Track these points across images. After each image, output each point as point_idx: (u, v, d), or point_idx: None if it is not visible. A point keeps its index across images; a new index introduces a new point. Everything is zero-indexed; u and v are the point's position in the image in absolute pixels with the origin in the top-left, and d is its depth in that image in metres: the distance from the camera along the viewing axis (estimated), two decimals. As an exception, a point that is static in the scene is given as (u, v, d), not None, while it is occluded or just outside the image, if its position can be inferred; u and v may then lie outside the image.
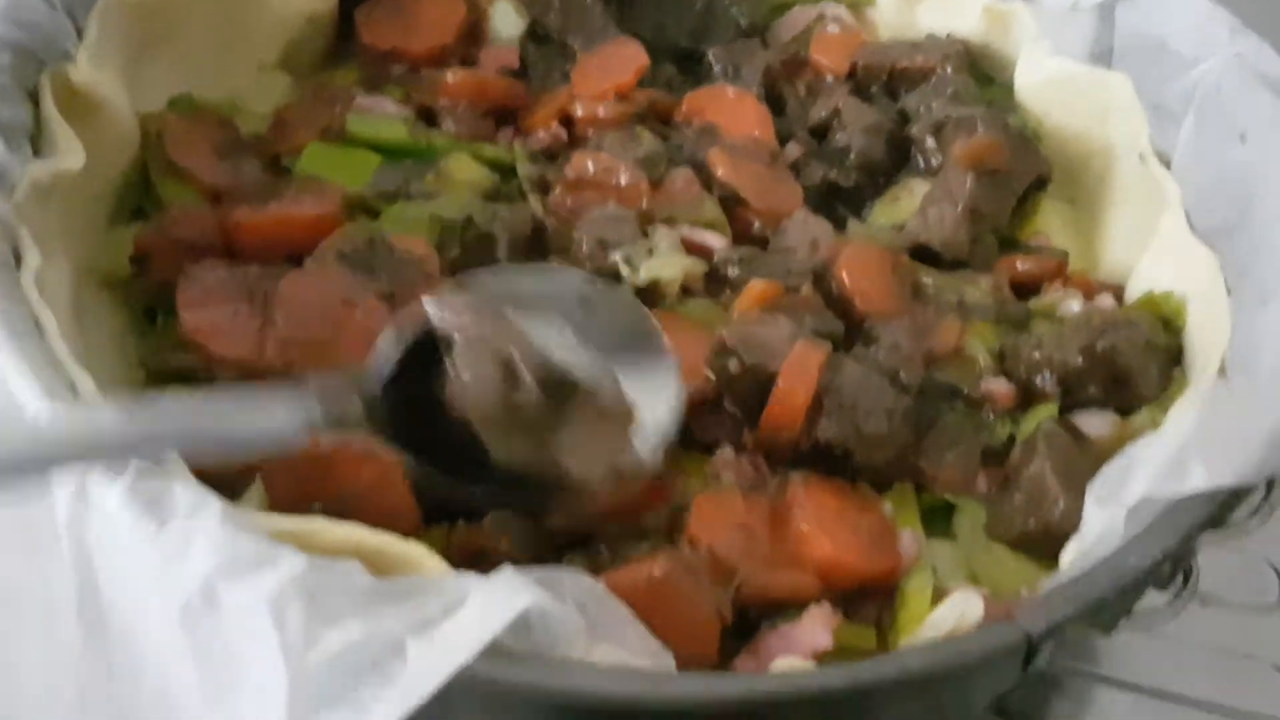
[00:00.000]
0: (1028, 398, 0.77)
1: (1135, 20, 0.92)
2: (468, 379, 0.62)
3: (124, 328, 0.78)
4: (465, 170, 0.87)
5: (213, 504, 0.54)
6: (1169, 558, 0.56)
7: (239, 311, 0.74)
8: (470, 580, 0.52)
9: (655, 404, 0.66)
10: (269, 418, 0.58)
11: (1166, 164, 0.85)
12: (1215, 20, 0.87)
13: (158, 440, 0.57)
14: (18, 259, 0.67)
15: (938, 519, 0.72)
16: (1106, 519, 0.58)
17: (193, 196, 0.82)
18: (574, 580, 0.55)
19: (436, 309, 0.64)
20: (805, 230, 0.85)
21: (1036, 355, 0.77)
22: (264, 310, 0.73)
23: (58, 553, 0.55)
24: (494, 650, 0.49)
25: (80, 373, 0.62)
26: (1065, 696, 0.75)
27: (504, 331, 0.63)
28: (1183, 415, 0.62)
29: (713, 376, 0.73)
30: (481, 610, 0.48)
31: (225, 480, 0.66)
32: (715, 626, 0.61)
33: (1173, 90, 0.86)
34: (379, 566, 0.56)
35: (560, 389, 0.63)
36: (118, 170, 0.82)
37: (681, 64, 1.03)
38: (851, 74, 0.99)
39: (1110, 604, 0.55)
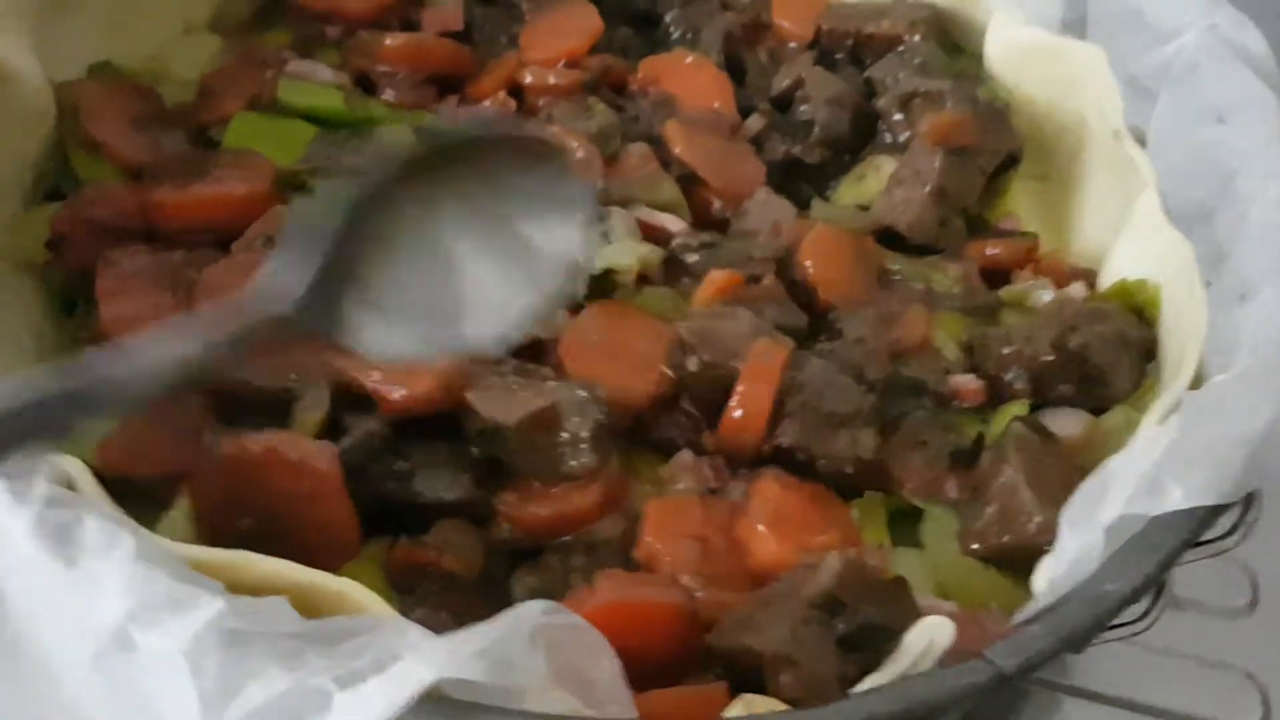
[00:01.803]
0: (997, 394, 0.74)
1: (1110, -13, 0.88)
2: None
3: (42, 316, 0.73)
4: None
5: (125, 540, 0.49)
6: (1149, 583, 0.53)
7: (160, 303, 0.69)
8: (410, 629, 0.48)
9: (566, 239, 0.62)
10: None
11: (1141, 140, 0.82)
12: (1193, -10, 0.83)
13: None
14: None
15: (905, 525, 0.69)
16: (1082, 542, 0.55)
17: (111, 174, 0.76)
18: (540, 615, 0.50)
19: None
20: (767, 212, 0.81)
21: (1006, 351, 0.74)
22: (187, 301, 0.69)
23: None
24: (431, 700, 0.46)
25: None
26: (1033, 707, 0.73)
27: None
28: (1158, 429, 0.59)
29: (671, 374, 0.70)
30: (414, 668, 0.45)
31: (152, 491, 0.62)
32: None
33: (1148, 63, 0.83)
34: (311, 600, 0.52)
35: None
36: (32, 146, 0.77)
37: (637, 26, 0.98)
38: (815, 40, 0.95)
39: (1086, 634, 0.52)
